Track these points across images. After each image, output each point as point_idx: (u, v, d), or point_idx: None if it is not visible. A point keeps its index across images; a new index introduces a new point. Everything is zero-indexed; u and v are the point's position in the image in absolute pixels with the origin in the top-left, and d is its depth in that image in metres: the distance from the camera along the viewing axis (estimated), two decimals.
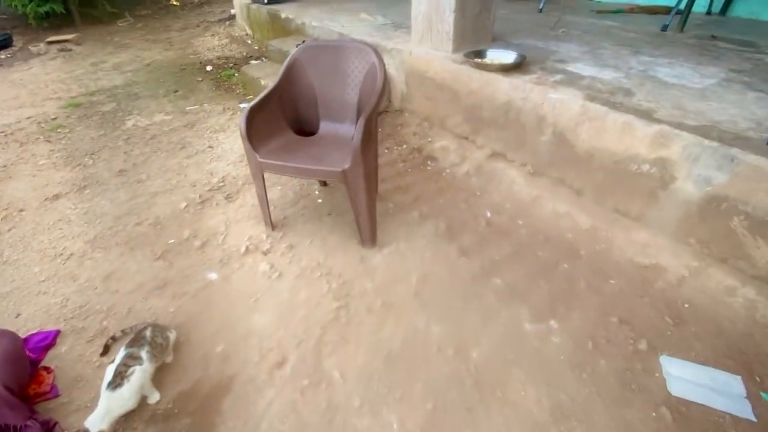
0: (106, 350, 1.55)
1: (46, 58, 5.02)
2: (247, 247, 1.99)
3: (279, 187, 2.41)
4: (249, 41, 5.05)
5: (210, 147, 2.94)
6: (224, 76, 4.12)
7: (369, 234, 1.88)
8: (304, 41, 3.57)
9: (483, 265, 1.83)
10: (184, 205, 2.33)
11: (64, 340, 1.61)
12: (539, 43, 2.81)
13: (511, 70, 2.30)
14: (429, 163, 2.60)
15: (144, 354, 1.36)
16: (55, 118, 3.49)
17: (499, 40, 2.87)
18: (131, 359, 1.32)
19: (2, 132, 3.29)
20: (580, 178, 2.05)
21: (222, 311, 1.69)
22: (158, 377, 1.43)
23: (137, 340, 1.39)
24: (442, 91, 2.63)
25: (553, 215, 2.06)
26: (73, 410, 1.38)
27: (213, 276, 1.85)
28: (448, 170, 2.50)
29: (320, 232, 2.06)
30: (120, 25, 6.22)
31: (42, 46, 5.36)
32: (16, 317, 1.72)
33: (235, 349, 1.53)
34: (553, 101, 2.02)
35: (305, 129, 2.08)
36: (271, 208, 2.14)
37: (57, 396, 1.41)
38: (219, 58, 4.64)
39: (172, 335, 1.51)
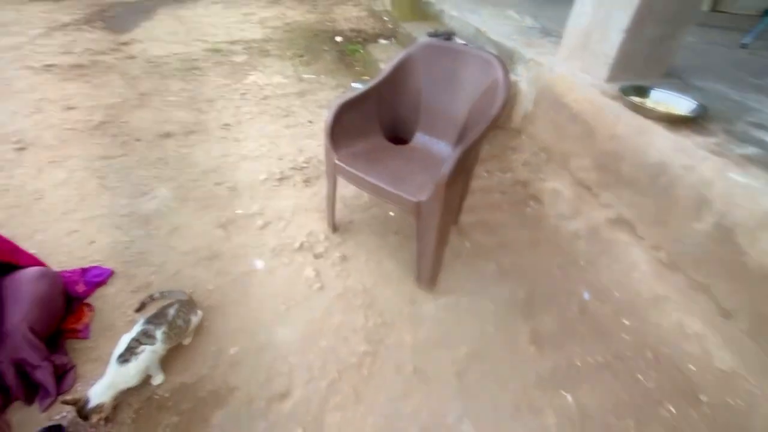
0: (141, 307, 1.56)
1: (210, 1, 5.53)
2: (302, 244, 1.86)
3: None
4: (385, 18, 4.90)
5: (310, 122, 2.89)
6: (349, 50, 4.05)
7: (428, 275, 1.59)
8: (436, 31, 3.28)
9: (558, 367, 1.42)
10: (263, 177, 2.30)
11: (114, 281, 1.67)
12: (732, 93, 2.11)
13: (680, 124, 1.73)
14: (531, 204, 2.17)
15: (159, 334, 1.31)
16: (195, 59, 3.79)
17: (673, 77, 2.23)
18: (145, 337, 1.28)
19: (152, 62, 3.67)
20: (738, 296, 1.47)
21: (251, 308, 1.59)
22: (170, 357, 1.38)
23: (158, 317, 1.34)
24: (575, 124, 2.14)
25: (677, 331, 1.53)
26: (94, 358, 1.40)
27: (259, 265, 1.77)
28: (552, 221, 2.06)
29: (379, 252, 1.83)
30: None
31: None
32: (90, 244, 1.85)
33: (246, 358, 1.42)
34: (732, 184, 1.45)
35: (398, 135, 1.83)
36: (340, 206, 1.98)
37: (86, 338, 1.46)
38: (352, 30, 4.59)
39: (195, 318, 1.46)
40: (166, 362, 1.36)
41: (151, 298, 1.58)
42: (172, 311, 1.38)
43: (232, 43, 4.20)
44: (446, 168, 1.26)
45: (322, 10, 5.34)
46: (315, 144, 2.62)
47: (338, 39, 4.33)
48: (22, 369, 1.24)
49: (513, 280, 1.73)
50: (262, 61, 3.80)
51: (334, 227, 1.92)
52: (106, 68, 3.55)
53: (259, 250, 1.84)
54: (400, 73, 1.74)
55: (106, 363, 1.26)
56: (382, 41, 4.13)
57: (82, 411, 1.13)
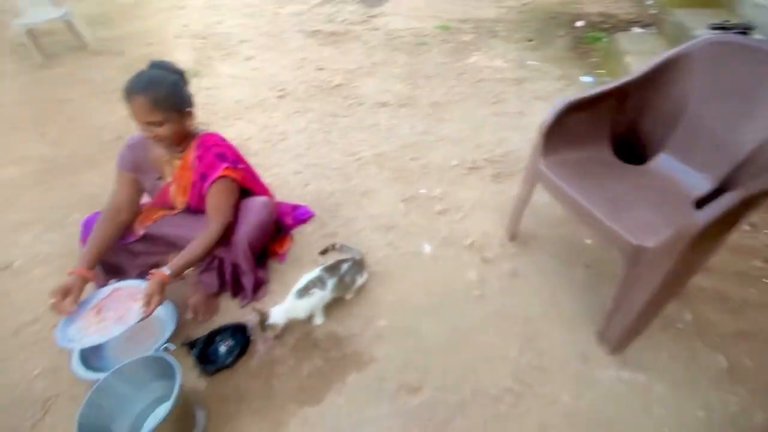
0: (324, 252, 1.78)
1: None
2: (473, 242, 1.76)
3: None
4: (648, 1, 3.99)
5: (520, 113, 2.65)
6: (589, 37, 3.48)
7: (619, 335, 1.26)
8: (724, 23, 2.45)
9: None
10: (455, 162, 2.25)
11: (312, 222, 1.95)
12: None
13: None
14: None
15: (330, 284, 1.45)
16: (425, 35, 3.96)
17: None
18: (319, 282, 1.44)
19: (389, 35, 4.02)
20: None
21: (408, 288, 1.60)
22: (333, 306, 1.53)
23: (333, 268, 1.49)
24: None
25: None
26: (281, 281, 1.69)
27: (427, 249, 1.76)
28: None
29: (558, 282, 1.56)
30: None
31: None
32: (305, 186, 2.20)
33: (392, 335, 1.45)
34: None
35: (631, 152, 1.46)
36: (528, 213, 1.76)
37: (282, 261, 1.77)
38: (600, 14, 3.93)
39: (360, 279, 1.56)
40: (329, 309, 1.52)
41: (333, 247, 1.78)
42: (345, 266, 1.51)
43: (463, 21, 4.19)
44: (708, 214, 0.91)
45: None
46: (518, 138, 2.40)
47: (579, 24, 3.78)
48: (236, 271, 1.59)
49: (751, 392, 1.21)
50: (487, 42, 3.67)
51: (513, 235, 1.73)
52: (354, 37, 4.08)
53: (430, 234, 1.83)
54: (662, 74, 1.34)
55: (288, 289, 1.50)
56: (637, 30, 3.39)
57: (263, 323, 1.37)
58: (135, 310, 1.30)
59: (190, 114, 1.39)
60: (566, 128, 1.37)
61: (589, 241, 1.70)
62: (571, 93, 2.73)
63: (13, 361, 1.51)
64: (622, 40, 3.05)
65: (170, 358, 1.17)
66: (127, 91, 1.27)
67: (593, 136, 1.41)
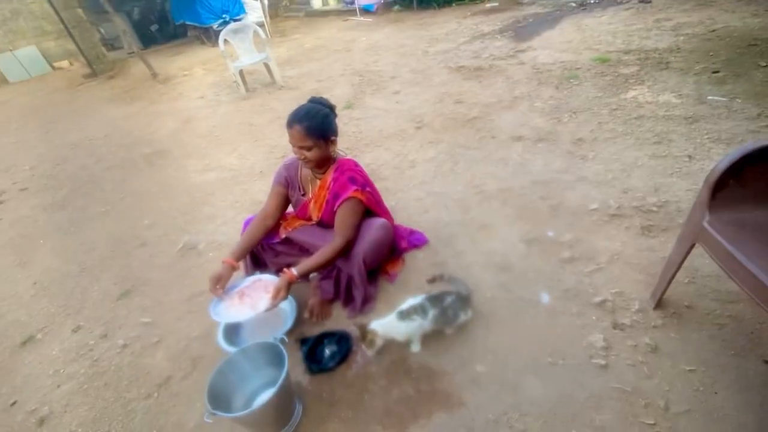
0: (432, 280, 1.78)
1: (622, 8, 5.15)
2: (604, 301, 1.52)
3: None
4: None
5: (689, 157, 2.22)
6: None
7: None
8: None
9: None
10: (594, 206, 2.01)
11: (425, 249, 1.99)
12: None
13: None
14: None
15: (431, 313, 1.45)
16: (578, 68, 3.69)
17: None
18: (421, 309, 1.45)
19: (536, 69, 3.88)
20: None
21: (516, 339, 1.47)
22: (433, 337, 1.51)
23: (437, 298, 1.48)
24: None
25: None
26: (387, 300, 1.75)
27: (545, 299, 1.59)
28: None
29: (719, 377, 1.21)
30: None
31: None
32: (424, 212, 2.26)
33: (488, 384, 1.35)
34: None
35: None
36: (683, 277, 1.45)
37: (391, 282, 1.84)
38: None
39: (464, 316, 1.51)
40: (426, 339, 1.51)
41: (441, 277, 1.77)
42: (449, 299, 1.49)
43: (626, 52, 3.77)
44: None
45: None
46: (682, 186, 2.01)
47: None
48: (350, 282, 1.72)
49: None
50: (654, 75, 3.21)
51: (659, 302, 1.44)
52: (497, 72, 4.08)
53: (551, 282, 1.66)
54: None
55: (392, 308, 1.55)
56: None
57: (364, 329, 1.44)
58: (265, 300, 1.53)
59: (334, 142, 1.61)
60: (747, 180, 1.09)
61: (762, 326, 1.29)
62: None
63: (182, 322, 1.93)
64: None
65: (283, 349, 1.33)
66: (288, 120, 1.55)
67: None
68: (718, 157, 2.15)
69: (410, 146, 3.06)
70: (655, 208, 1.91)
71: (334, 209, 1.62)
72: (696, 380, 1.21)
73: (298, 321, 1.70)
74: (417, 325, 1.45)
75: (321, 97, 1.63)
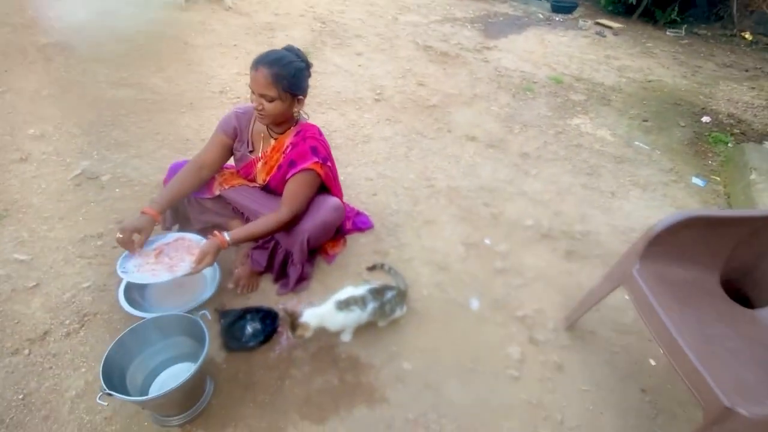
0: (372, 268, 1.74)
1: (581, 33, 5.44)
2: (524, 316, 1.64)
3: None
4: None
5: (612, 194, 2.47)
6: (712, 137, 3.18)
7: None
8: None
9: None
10: (529, 223, 2.13)
11: (368, 234, 1.93)
12: None
13: None
14: None
15: (370, 307, 1.41)
16: (535, 82, 3.84)
17: None
18: (361, 301, 1.40)
19: (498, 72, 3.94)
20: None
21: (443, 341, 1.52)
22: (363, 328, 1.48)
23: (378, 292, 1.45)
24: None
25: None
26: (321, 281, 1.68)
27: (474, 305, 1.67)
28: None
29: (606, 396, 1.40)
30: (668, 33, 5.79)
31: (588, 23, 5.80)
32: (372, 195, 2.19)
33: (412, 382, 1.38)
34: None
35: (743, 291, 1.28)
36: (596, 312, 1.61)
37: (329, 263, 1.76)
38: (732, 116, 3.58)
39: (399, 312, 1.51)
40: (359, 329, 1.47)
41: (382, 267, 1.74)
42: (389, 295, 1.46)
43: (578, 79, 4.02)
44: None
45: (701, 79, 4.40)
46: (603, 220, 2.23)
47: (704, 119, 3.48)
48: (286, 258, 1.60)
49: None
50: (597, 108, 3.48)
51: (571, 325, 1.59)
52: (462, 63, 4.05)
53: (482, 290, 1.73)
54: None
55: (327, 292, 1.48)
56: None
57: (294, 321, 1.35)
58: (186, 263, 1.35)
59: (300, 102, 1.42)
60: (677, 240, 1.23)
61: (654, 363, 1.52)
62: (677, 191, 2.53)
63: (70, 267, 1.62)
64: (751, 152, 2.75)
65: (205, 327, 1.18)
66: (255, 60, 1.32)
67: (705, 260, 1.25)
68: (637, 201, 2.44)
69: (366, 119, 2.92)
70: (579, 236, 2.09)
71: (286, 177, 1.46)
72: (588, 400, 1.38)
73: (219, 290, 1.54)
74: (354, 317, 1.40)
75: (298, 49, 1.42)
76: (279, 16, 4.43)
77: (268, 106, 1.34)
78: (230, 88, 3.02)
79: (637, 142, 3.06)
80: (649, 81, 4.19)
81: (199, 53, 3.43)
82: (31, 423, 1.18)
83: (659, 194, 2.51)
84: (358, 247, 1.86)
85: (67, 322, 1.43)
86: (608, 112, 3.46)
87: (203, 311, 1.26)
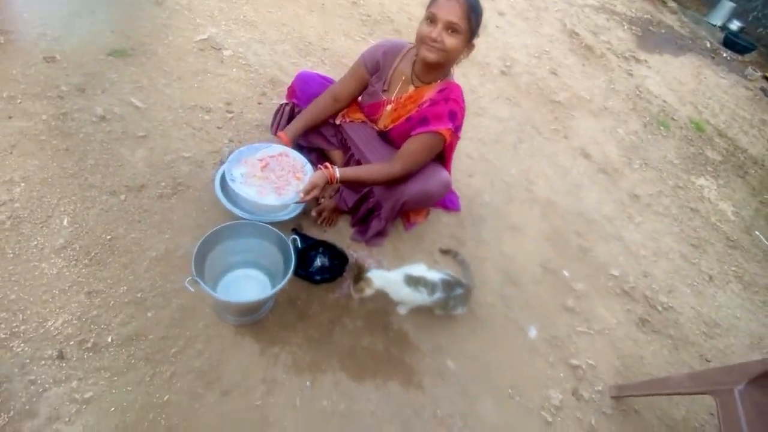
0: (446, 252, 1.68)
1: (744, 82, 4.68)
2: (577, 366, 1.55)
3: None
4: None
5: (709, 279, 2.22)
6: None
7: None
8: None
9: None
10: (614, 272, 1.96)
11: (453, 216, 1.84)
12: None
13: None
14: None
15: (436, 295, 1.36)
16: (674, 119, 3.39)
17: None
18: (431, 286, 1.35)
19: (639, 91, 3.49)
20: None
21: (488, 356, 1.48)
22: (421, 311, 1.44)
23: (450, 285, 1.39)
24: None
25: None
26: (395, 241, 1.64)
27: (531, 333, 1.59)
28: None
29: None
30: None
31: (758, 74, 4.94)
32: (469, 177, 2.06)
33: (450, 379, 1.36)
34: None
35: None
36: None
37: (407, 230, 1.70)
38: None
39: (460, 309, 1.46)
40: (416, 309, 1.44)
41: (455, 256, 1.67)
42: (457, 291, 1.41)
43: (721, 135, 3.52)
44: None
45: None
46: (690, 302, 2.03)
47: None
48: (373, 208, 1.54)
49: None
50: (729, 176, 3.07)
51: (619, 396, 1.50)
52: (603, 66, 3.61)
53: (544, 321, 1.65)
54: None
55: (398, 257, 1.45)
56: None
57: (360, 272, 1.31)
58: (293, 189, 1.31)
59: (472, 47, 1.29)
60: None
61: None
62: None
63: (177, 130, 1.65)
64: None
65: (293, 254, 1.17)
66: None
67: None
68: (732, 294, 2.19)
69: (487, 89, 2.69)
70: (660, 308, 1.92)
71: (412, 132, 1.35)
72: None
73: (302, 215, 1.52)
74: (419, 297, 1.36)
75: None
76: None
77: (449, 39, 1.21)
78: (364, 2, 2.83)
79: (758, 233, 2.70)
80: None
81: None
82: (112, 265, 1.26)
83: (760, 299, 2.25)
84: (439, 225, 1.79)
85: (163, 184, 1.47)
86: (740, 185, 3.04)
87: (294, 236, 1.25)
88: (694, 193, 2.75)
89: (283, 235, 1.21)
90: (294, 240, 1.23)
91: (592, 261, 1.97)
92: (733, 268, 2.36)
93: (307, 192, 1.25)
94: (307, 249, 1.44)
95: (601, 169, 2.56)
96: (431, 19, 1.20)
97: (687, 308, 2.00)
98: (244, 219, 1.33)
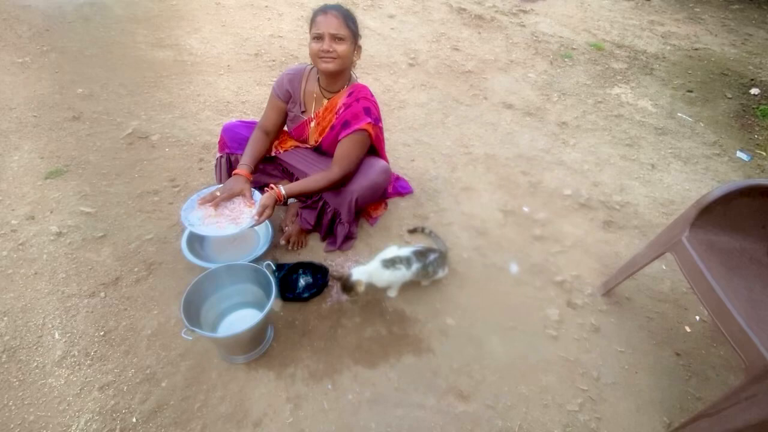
0: (413, 231, 1.81)
1: None
2: (563, 281, 1.68)
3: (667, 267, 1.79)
4: None
5: (652, 166, 2.43)
6: (760, 110, 3.05)
7: None
8: None
9: None
10: (567, 192, 2.13)
11: (408, 198, 1.98)
12: None
13: None
14: None
15: (414, 267, 1.48)
16: (574, 48, 3.69)
17: None
18: (406, 261, 1.47)
19: (535, 37, 3.80)
20: None
21: (484, 301, 1.59)
22: (408, 286, 1.55)
23: (421, 254, 1.51)
24: None
25: None
26: (366, 242, 1.75)
27: (513, 269, 1.72)
28: None
29: (641, 357, 1.46)
30: None
31: None
32: (411, 161, 2.21)
33: (455, 336, 1.46)
34: None
35: None
36: (633, 280, 1.64)
37: (371, 225, 1.82)
38: None
39: (441, 273, 1.58)
40: (403, 288, 1.55)
41: (423, 230, 1.80)
42: (431, 257, 1.52)
43: (619, 46, 3.84)
44: None
45: (751, 48, 4.14)
46: (642, 192, 2.21)
47: (753, 91, 3.31)
48: (334, 217, 1.66)
49: None
50: (639, 78, 3.35)
51: (609, 291, 1.63)
52: (497, 27, 3.91)
53: (521, 255, 1.78)
54: None
55: (372, 252, 1.56)
56: None
57: (346, 282, 1.42)
58: (248, 215, 1.42)
59: (359, 49, 1.46)
60: (728, 210, 1.23)
61: (689, 329, 1.56)
62: (720, 165, 2.47)
63: (132, 220, 1.73)
64: None
65: (272, 276, 1.27)
66: (324, 6, 1.38)
67: (755, 230, 1.26)
68: (677, 174, 2.40)
69: (402, 84, 2.89)
70: (617, 207, 2.09)
71: (339, 137, 1.49)
72: (624, 360, 1.44)
73: (272, 245, 1.63)
74: (400, 275, 1.47)
75: None
76: None
77: (340, 48, 1.36)
78: (265, 50, 3.02)
79: (680, 114, 2.96)
80: (696, 49, 3.98)
81: (232, 14, 3.41)
82: (114, 356, 1.32)
83: (701, 168, 2.46)
84: (399, 210, 1.91)
85: (136, 269, 1.55)
86: (651, 81, 3.33)
87: (267, 261, 1.35)
88: (613, 102, 3.00)
89: (255, 265, 1.31)
90: (268, 265, 1.33)
91: (543, 190, 2.13)
92: (670, 151, 2.58)
93: (260, 213, 1.36)
94: (288, 273, 1.54)
95: (526, 113, 2.77)
96: (318, 37, 1.37)
97: (641, 198, 2.18)
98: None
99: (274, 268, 1.36)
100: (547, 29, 4.00)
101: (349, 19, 1.38)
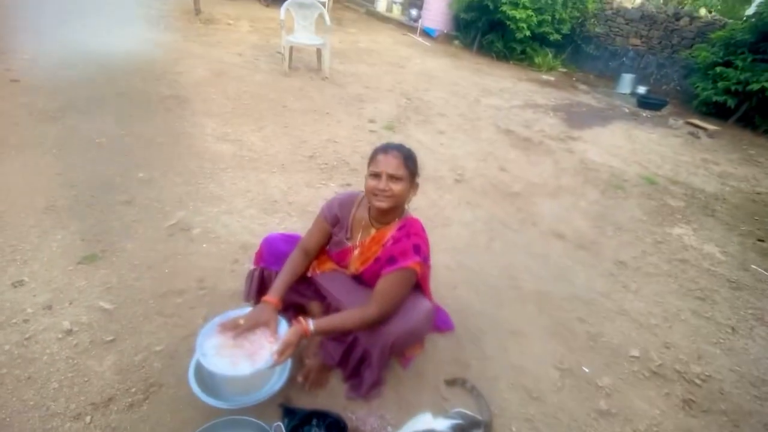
0: (452, 383, 1.55)
1: (672, 132, 5.19)
2: None
3: None
4: None
5: (732, 329, 2.09)
6: None
7: None
8: None
9: None
10: (634, 353, 1.82)
11: (447, 337, 1.74)
12: None
13: None
14: None
15: None
16: (625, 180, 3.61)
17: None
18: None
19: (584, 164, 3.78)
20: None
21: None
22: None
23: (463, 429, 1.24)
24: None
25: None
26: (394, 390, 1.49)
27: None
28: None
29: None
30: None
31: (680, 122, 5.55)
32: (453, 288, 2.02)
33: None
34: None
35: None
36: None
37: (404, 368, 1.58)
38: None
39: None
40: None
41: (463, 384, 1.54)
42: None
43: (674, 182, 3.73)
44: None
45: None
46: (725, 362, 1.86)
47: None
48: (363, 357, 1.45)
49: None
50: (700, 219, 3.15)
51: None
52: (545, 151, 3.96)
53: None
54: None
55: (400, 405, 1.30)
56: None
57: None
58: (267, 352, 1.24)
59: (416, 187, 1.40)
60: None
61: None
62: None
63: (147, 324, 1.60)
64: None
65: None
66: (383, 146, 1.36)
67: None
68: (761, 341, 2.04)
69: (447, 200, 2.85)
70: (698, 381, 1.74)
71: (383, 272, 1.35)
72: None
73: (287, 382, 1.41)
74: None
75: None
76: (369, 89, 4.71)
77: (396, 188, 1.31)
78: (320, 153, 3.14)
79: (754, 266, 2.66)
80: (758, 193, 3.79)
81: (296, 117, 3.67)
82: None
83: None
84: (436, 351, 1.67)
85: (133, 390, 1.36)
86: (714, 224, 3.11)
87: (278, 423, 1.13)
88: (675, 244, 2.77)
89: (263, 425, 1.09)
90: (278, 427, 1.10)
91: (605, 346, 1.84)
92: (750, 311, 2.25)
93: (281, 352, 1.18)
94: (300, 424, 1.29)
95: (579, 245, 2.59)
96: (376, 175, 1.32)
97: (725, 372, 1.82)
98: (223, 409, 1.20)
99: (284, 423, 1.13)
100: (596, 158, 4.00)
101: (409, 160, 1.35)
